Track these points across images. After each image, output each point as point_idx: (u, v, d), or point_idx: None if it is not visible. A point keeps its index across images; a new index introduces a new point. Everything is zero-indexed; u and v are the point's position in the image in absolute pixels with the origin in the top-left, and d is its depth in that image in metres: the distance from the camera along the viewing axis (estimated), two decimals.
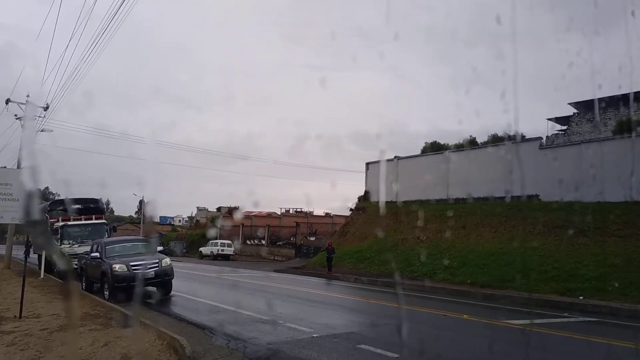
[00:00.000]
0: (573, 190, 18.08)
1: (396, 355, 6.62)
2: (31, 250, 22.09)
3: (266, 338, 7.81)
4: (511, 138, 23.97)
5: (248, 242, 44.14)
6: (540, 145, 21.43)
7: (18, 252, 29.35)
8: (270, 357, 6.76)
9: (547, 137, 23.45)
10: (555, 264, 16.32)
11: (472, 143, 27.23)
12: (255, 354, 6.87)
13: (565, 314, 11.61)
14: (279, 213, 54.70)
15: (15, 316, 10.05)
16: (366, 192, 29.48)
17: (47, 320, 9.65)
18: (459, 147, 26.52)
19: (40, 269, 19.09)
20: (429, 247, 21.36)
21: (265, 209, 55.05)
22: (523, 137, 23.93)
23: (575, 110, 25.93)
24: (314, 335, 7.96)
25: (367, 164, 29.73)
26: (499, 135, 24.68)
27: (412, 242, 22.35)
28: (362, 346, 7.13)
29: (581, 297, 13.82)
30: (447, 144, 28.65)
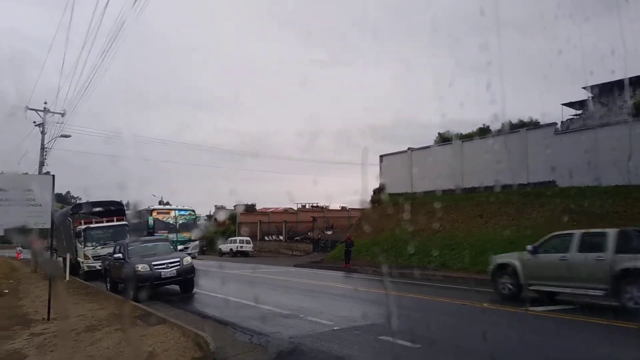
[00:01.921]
0: (590, 175, 17.88)
1: (418, 346, 6.70)
2: (55, 253, 22.69)
3: (288, 332, 7.95)
4: (525, 125, 23.77)
5: (266, 238, 44.46)
6: (555, 131, 21.19)
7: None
8: (292, 351, 6.89)
9: (561, 122, 23.12)
10: None
11: (485, 131, 26.99)
12: (278, 348, 7.01)
13: (587, 299, 11.53)
14: (295, 208, 54.95)
15: (43, 318, 10.37)
16: (381, 185, 29.48)
17: (75, 321, 9.92)
18: (472, 136, 26.34)
19: (65, 271, 19.54)
20: (446, 237, 21.34)
21: (281, 205, 55.40)
22: (537, 123, 23.70)
23: (590, 94, 25.52)
24: (335, 328, 8.08)
25: (381, 156, 29.70)
26: (513, 122, 24.42)
27: (429, 233, 22.34)
28: (384, 337, 7.22)
29: None
30: (461, 133, 28.46)
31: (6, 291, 16.24)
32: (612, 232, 10.12)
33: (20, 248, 46.91)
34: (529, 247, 11.51)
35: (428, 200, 23.28)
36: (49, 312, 10.46)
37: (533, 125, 23.52)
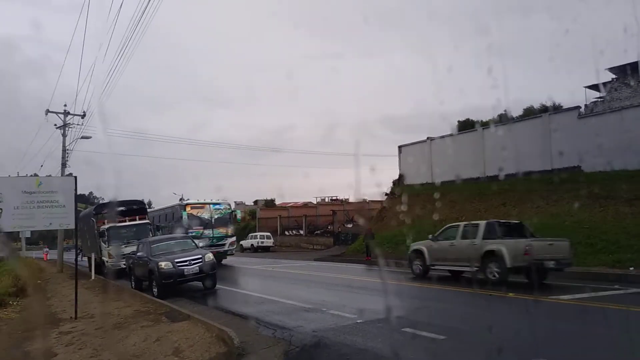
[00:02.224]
0: (616, 159, 17.39)
1: (443, 337, 6.60)
2: (80, 253, 23.13)
3: (311, 326, 7.92)
4: (548, 109, 23.22)
5: (287, 232, 44.62)
6: (579, 115, 20.66)
7: (69, 256, 30.68)
8: (316, 345, 6.86)
9: (585, 105, 22.53)
10: (602, 235, 15.80)
11: (506, 118, 26.49)
12: (301, 341, 6.98)
13: (616, 286, 11.25)
14: (315, 202, 54.98)
15: (71, 317, 10.56)
16: (400, 176, 29.24)
17: (101, 320, 10.10)
18: (493, 123, 25.88)
19: (90, 271, 19.91)
20: None
21: (300, 199, 55.48)
22: (560, 107, 23.15)
23: (614, 76, 24.81)
24: (358, 321, 8.02)
25: (400, 147, 29.44)
26: (534, 107, 23.91)
27: (451, 223, 22.05)
28: (407, 329, 7.12)
29: (632, 268, 13.35)
30: (481, 120, 28.00)
31: (35, 291, 16.62)
32: (482, 223, 13.16)
33: (47, 249, 48.08)
34: (430, 236, 14.62)
35: (449, 190, 23.00)
36: (76, 311, 10.66)
37: (556, 109, 22.99)
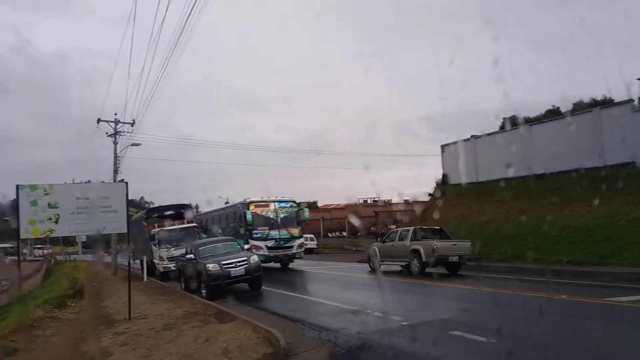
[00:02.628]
0: None
1: (493, 341, 6.45)
2: (133, 256, 24.06)
3: (356, 328, 7.93)
4: (598, 103, 22.21)
5: (329, 234, 44.68)
6: (632, 109, 19.61)
7: (122, 259, 31.96)
8: (361, 347, 6.86)
9: (639, 98, 21.38)
10: None
11: (554, 113, 25.53)
12: (347, 343, 7.01)
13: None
14: (357, 204, 54.77)
15: (125, 318, 11.01)
16: (444, 175, 28.72)
17: (153, 320, 10.46)
18: (540, 119, 25.00)
19: (142, 273, 20.67)
20: (516, 226, 20.38)
21: (342, 200, 55.42)
22: (612, 101, 22.08)
23: None
24: (404, 324, 7.96)
25: (443, 146, 28.93)
26: (584, 102, 22.91)
27: (498, 223, 21.46)
28: (455, 332, 7.01)
29: None
30: (528, 116, 27.12)
31: (91, 293, 17.44)
32: (412, 229, 17.39)
33: (104, 252, 50.21)
34: (379, 238, 19.58)
35: (495, 189, 22.38)
36: (129, 312, 11.10)
37: (607, 103, 21.94)
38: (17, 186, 10.33)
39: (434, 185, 29.03)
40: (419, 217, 30.30)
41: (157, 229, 21.55)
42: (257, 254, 16.18)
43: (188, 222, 22.10)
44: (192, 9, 25.83)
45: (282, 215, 20.78)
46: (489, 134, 26.13)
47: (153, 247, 21.17)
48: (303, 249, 22.04)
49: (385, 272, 17.81)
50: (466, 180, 25.47)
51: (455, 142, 28.47)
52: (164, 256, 20.42)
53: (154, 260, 21.12)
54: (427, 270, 15.82)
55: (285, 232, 20.50)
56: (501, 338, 6.27)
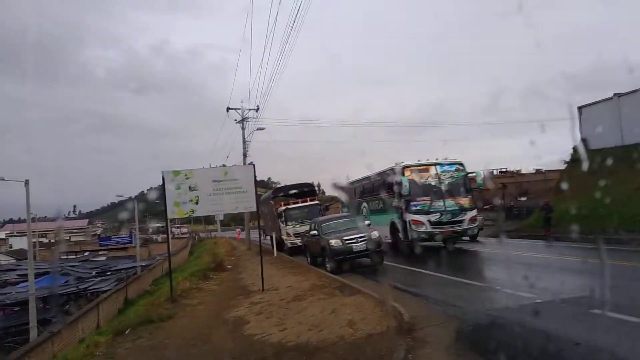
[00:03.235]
0: None
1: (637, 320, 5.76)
2: (264, 233, 25.77)
3: (484, 304, 7.64)
4: None
5: None
6: None
7: (254, 235, 34.38)
8: (490, 325, 6.58)
9: None
10: None
11: None
12: (474, 320, 6.78)
13: None
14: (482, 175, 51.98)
15: (259, 289, 11.93)
16: (583, 140, 25.87)
17: (284, 292, 11.18)
18: None
19: (273, 248, 22.09)
20: None
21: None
22: None
23: None
24: (537, 301, 7.40)
25: (580, 108, 25.98)
26: None
27: None
28: (596, 311, 6.37)
29: None
30: None
31: (229, 267, 19.14)
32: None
33: (239, 229, 54.66)
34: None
35: None
36: (262, 284, 11.99)
37: None
38: (163, 172, 11.66)
39: (571, 151, 26.35)
40: (554, 188, 27.87)
41: (283, 207, 22.78)
42: (418, 231, 15.38)
43: (311, 200, 22.99)
44: None
45: (447, 182, 16.36)
46: (635, 91, 22.83)
47: (280, 224, 22.45)
48: (477, 224, 17.04)
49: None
50: (609, 145, 22.67)
51: (595, 103, 25.42)
52: (291, 232, 21.55)
53: (282, 237, 22.40)
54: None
55: (451, 202, 15.92)
56: None
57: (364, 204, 20.52)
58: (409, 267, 13.53)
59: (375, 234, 13.95)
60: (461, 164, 17.10)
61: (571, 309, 6.82)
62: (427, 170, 16.50)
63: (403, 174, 16.08)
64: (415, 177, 16.23)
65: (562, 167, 27.16)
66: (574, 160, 25.27)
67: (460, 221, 15.94)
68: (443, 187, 16.18)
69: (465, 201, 16.31)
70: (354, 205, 21.72)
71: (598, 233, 17.49)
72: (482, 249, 16.96)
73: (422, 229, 15.48)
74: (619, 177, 20.24)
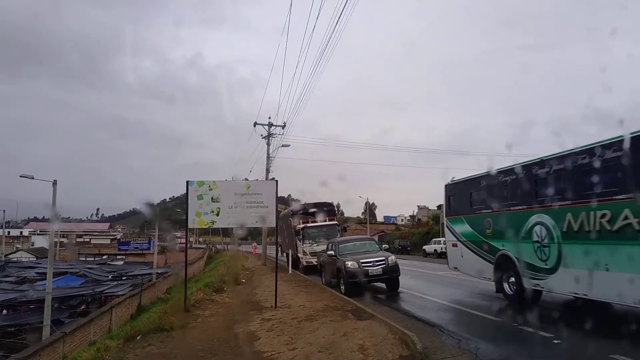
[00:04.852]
0: None
1: None
2: (280, 249, 25.74)
3: (498, 340, 7.44)
4: None
5: None
6: None
7: (270, 251, 34.40)
8: None
9: None
10: None
11: None
12: (489, 356, 6.61)
13: None
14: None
15: (271, 306, 11.88)
16: None
17: (296, 311, 11.10)
18: None
19: (288, 265, 22.04)
20: None
21: None
22: None
23: None
24: (555, 341, 7.17)
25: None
26: None
27: None
28: (617, 356, 6.14)
29: None
30: None
31: (243, 280, 19.16)
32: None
33: (256, 244, 54.75)
34: None
35: None
36: (275, 301, 11.95)
37: None
38: (187, 182, 11.83)
39: None
40: None
41: (301, 225, 22.78)
42: None
43: (329, 220, 22.96)
44: (339, 17, 26.41)
45: None
46: None
47: (297, 242, 22.44)
48: None
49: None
50: None
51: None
52: (307, 251, 21.51)
53: (298, 254, 22.36)
54: None
55: None
56: None
57: (533, 217, 9.64)
58: (423, 295, 13.28)
59: (392, 258, 13.82)
60: None
61: (592, 352, 6.58)
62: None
63: None
64: None
65: None
66: None
67: None
68: None
69: None
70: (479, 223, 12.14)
71: None
72: None
73: None
74: None
